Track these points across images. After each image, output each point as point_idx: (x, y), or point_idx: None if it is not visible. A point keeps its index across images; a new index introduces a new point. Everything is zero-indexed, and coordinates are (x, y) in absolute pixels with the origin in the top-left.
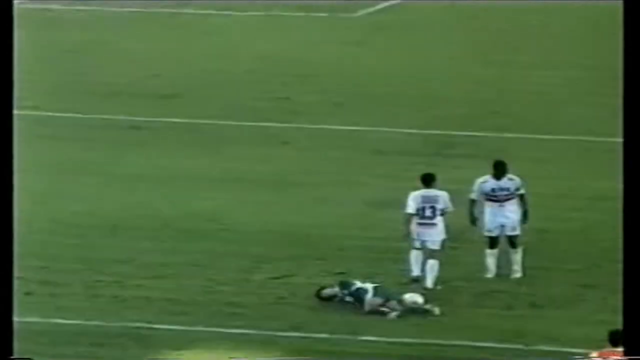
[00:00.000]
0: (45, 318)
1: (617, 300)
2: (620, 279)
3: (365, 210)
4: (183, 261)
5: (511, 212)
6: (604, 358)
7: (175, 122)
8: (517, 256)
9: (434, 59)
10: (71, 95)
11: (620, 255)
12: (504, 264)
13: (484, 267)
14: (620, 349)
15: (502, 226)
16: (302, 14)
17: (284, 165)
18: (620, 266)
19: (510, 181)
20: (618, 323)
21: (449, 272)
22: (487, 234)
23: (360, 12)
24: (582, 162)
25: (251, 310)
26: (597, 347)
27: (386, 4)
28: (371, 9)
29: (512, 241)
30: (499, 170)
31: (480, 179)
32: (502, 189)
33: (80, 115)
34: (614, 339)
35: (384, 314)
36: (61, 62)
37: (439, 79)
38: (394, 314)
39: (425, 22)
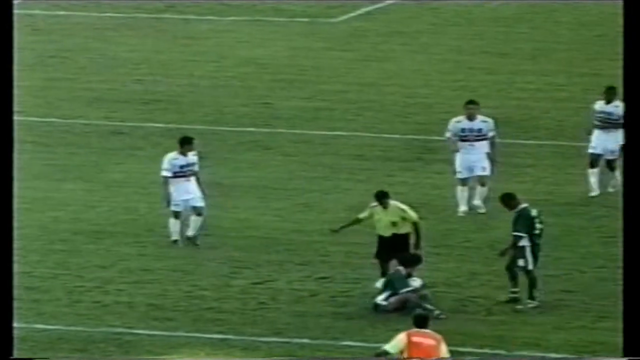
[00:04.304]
0: (27, 324)
1: (598, 306)
2: (600, 284)
3: (347, 216)
4: (165, 267)
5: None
6: (410, 335)
7: (158, 128)
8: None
9: (415, 64)
10: (54, 101)
11: (600, 261)
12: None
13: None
14: (426, 330)
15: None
16: (284, 19)
17: (266, 171)
18: (600, 272)
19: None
20: (599, 328)
21: (429, 278)
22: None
23: (342, 17)
24: (562, 167)
25: (233, 316)
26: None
27: (367, 9)
28: (352, 14)
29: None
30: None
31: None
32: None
33: (63, 121)
34: (418, 322)
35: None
36: (43, 68)
37: (420, 84)
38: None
39: (407, 27)
